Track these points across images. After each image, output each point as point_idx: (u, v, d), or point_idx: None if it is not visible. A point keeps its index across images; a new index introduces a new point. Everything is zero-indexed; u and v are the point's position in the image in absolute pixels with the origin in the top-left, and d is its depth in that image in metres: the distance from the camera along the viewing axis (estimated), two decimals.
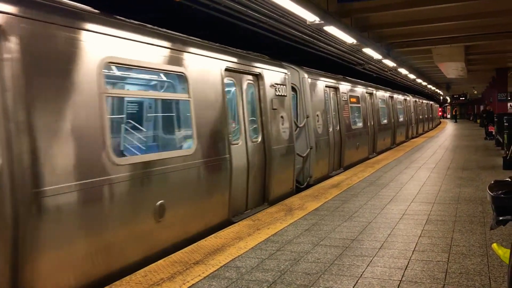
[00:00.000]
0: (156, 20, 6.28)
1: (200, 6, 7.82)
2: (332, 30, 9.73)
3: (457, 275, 4.37)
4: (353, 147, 13.79)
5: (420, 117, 29.78)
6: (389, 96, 20.35)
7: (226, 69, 6.84)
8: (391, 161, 14.16)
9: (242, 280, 4.39)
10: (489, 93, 35.33)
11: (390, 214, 6.99)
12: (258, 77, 7.95)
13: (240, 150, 7.22)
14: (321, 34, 11.33)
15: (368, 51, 13.39)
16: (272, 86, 8.30)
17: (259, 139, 7.86)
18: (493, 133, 20.16)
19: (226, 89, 6.83)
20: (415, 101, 27.76)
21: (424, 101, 33.75)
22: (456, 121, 54.27)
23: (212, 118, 6.35)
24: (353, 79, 15.45)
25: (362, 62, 17.40)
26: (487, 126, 23.42)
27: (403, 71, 20.62)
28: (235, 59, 7.17)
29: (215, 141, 6.36)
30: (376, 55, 14.40)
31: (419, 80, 28.39)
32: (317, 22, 8.58)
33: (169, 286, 4.25)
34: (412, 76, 24.27)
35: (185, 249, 5.39)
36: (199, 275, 4.52)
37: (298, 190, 9.43)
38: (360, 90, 15.27)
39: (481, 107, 45.54)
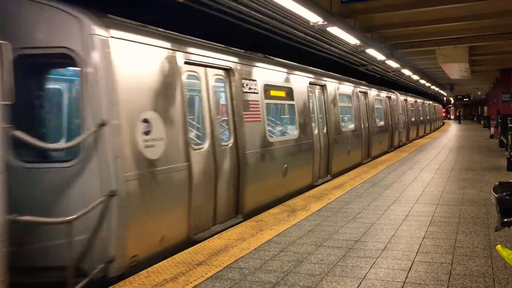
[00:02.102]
0: (156, 21, 6.27)
1: (202, 6, 7.82)
2: (335, 31, 9.71)
3: (461, 276, 4.35)
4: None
5: (413, 119, 25.93)
6: (360, 92, 15.09)
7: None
8: (394, 162, 14.13)
9: (245, 281, 4.38)
10: (493, 94, 35.21)
11: (394, 215, 6.96)
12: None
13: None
14: (325, 35, 11.32)
15: (372, 51, 13.36)
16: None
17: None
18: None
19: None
20: (405, 99, 23.53)
21: (421, 101, 30.83)
22: (459, 122, 54.17)
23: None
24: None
25: (365, 63, 17.36)
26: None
27: (406, 71, 20.56)
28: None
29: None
30: (379, 56, 14.36)
31: (422, 81, 28.29)
32: (320, 23, 8.56)
33: (172, 287, 4.24)
34: (415, 77, 24.19)
35: (188, 249, 5.39)
36: (202, 276, 4.51)
37: None
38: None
39: (485, 108, 45.40)
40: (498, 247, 3.40)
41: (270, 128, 8.81)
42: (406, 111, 23.02)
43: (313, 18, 8.40)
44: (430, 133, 32.46)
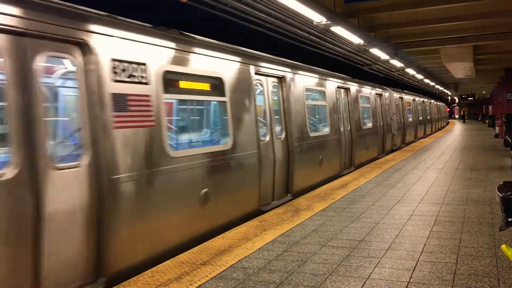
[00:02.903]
0: (160, 22, 6.29)
1: (206, 7, 7.83)
2: (339, 30, 9.70)
3: (465, 276, 4.34)
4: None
5: (411, 120, 23.18)
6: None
7: None
8: (398, 161, 14.10)
9: (249, 281, 4.39)
10: (497, 93, 35.07)
11: (398, 215, 6.95)
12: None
13: None
14: (328, 35, 11.30)
15: (375, 51, 13.33)
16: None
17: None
18: None
19: None
20: (400, 98, 20.74)
21: (421, 100, 27.81)
22: (464, 122, 54.01)
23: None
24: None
25: (369, 62, 17.33)
26: None
27: (410, 71, 20.50)
28: None
29: None
30: (383, 56, 14.33)
31: (427, 81, 28.19)
32: (324, 22, 8.55)
33: (176, 287, 4.25)
34: (419, 76, 24.12)
35: (192, 249, 5.40)
36: (206, 276, 4.52)
37: None
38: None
39: (490, 107, 45.23)
40: (503, 246, 3.39)
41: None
42: (402, 111, 20.86)
43: (317, 17, 8.40)
44: (431, 133, 30.68)
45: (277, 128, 8.61)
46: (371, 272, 4.52)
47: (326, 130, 11.00)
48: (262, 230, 6.19)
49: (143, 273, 4.62)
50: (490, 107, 45.87)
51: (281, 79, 8.79)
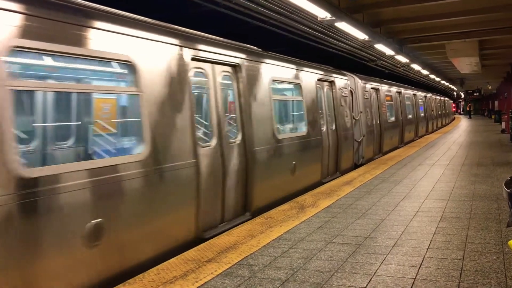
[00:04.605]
0: (164, 19, 6.28)
1: (210, 3, 7.81)
2: (343, 26, 9.66)
3: (472, 273, 4.31)
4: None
5: (393, 119, 17.78)
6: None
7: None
8: (404, 157, 14.05)
9: (254, 278, 4.38)
10: (503, 88, 34.86)
11: (404, 211, 6.92)
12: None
13: None
14: (333, 31, 11.25)
15: (380, 47, 13.27)
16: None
17: None
18: None
19: None
20: (374, 90, 15.42)
21: (411, 92, 22.27)
22: (470, 117, 53.82)
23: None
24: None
25: (374, 58, 17.26)
26: None
27: (416, 66, 20.41)
28: None
29: None
30: (388, 51, 14.27)
31: (432, 76, 28.07)
32: (328, 18, 8.53)
33: (182, 284, 4.25)
34: (425, 72, 24.00)
35: (198, 247, 5.40)
36: (212, 273, 4.52)
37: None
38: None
39: (496, 103, 44.98)
40: (510, 242, 3.36)
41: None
42: (379, 107, 15.84)
43: (321, 13, 8.38)
44: (427, 134, 25.62)
45: (230, 130, 7.07)
46: (377, 269, 4.50)
47: (302, 130, 9.35)
48: (267, 227, 6.18)
49: (149, 271, 4.62)
50: (496, 102, 45.62)
51: (236, 68, 7.07)
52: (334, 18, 8.57)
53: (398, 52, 14.91)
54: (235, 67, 7.08)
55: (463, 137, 22.32)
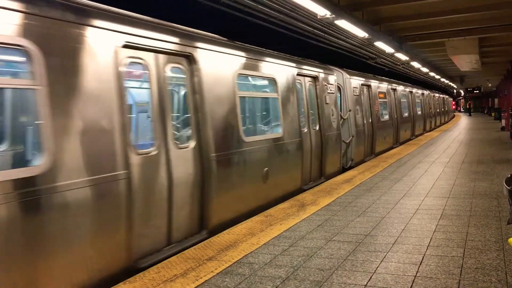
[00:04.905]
0: (162, 16, 6.27)
1: (210, 1, 7.80)
2: (343, 24, 9.64)
3: (472, 270, 4.31)
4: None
5: (385, 118, 16.37)
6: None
7: None
8: (404, 155, 14.04)
9: (255, 276, 4.38)
10: (503, 85, 34.82)
11: (404, 209, 6.92)
12: None
13: None
14: (332, 28, 11.24)
15: (380, 44, 13.26)
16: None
17: None
18: None
19: None
20: (366, 86, 14.34)
21: (406, 90, 20.71)
22: (470, 115, 53.81)
23: None
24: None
25: (374, 56, 17.24)
26: None
27: (415, 64, 20.38)
28: None
29: None
30: (388, 49, 14.26)
31: (432, 74, 28.04)
32: (328, 16, 8.51)
33: (182, 282, 4.25)
34: (425, 70, 23.99)
35: (198, 245, 5.40)
36: (212, 271, 4.52)
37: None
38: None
39: (496, 100, 44.96)
40: (510, 240, 3.36)
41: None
42: (371, 105, 14.61)
43: (321, 11, 8.36)
44: (423, 133, 24.43)
45: (181, 133, 6.10)
46: (377, 267, 4.50)
47: (277, 131, 8.26)
48: (268, 225, 6.18)
49: (149, 269, 4.62)
50: (496, 99, 45.60)
51: (190, 59, 5.95)
52: (334, 15, 8.56)
53: (398, 49, 14.89)
54: (188, 57, 5.93)
55: (463, 134, 22.31)
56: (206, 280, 4.30)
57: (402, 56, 16.54)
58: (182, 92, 6.28)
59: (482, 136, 20.65)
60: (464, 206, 6.94)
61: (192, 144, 5.86)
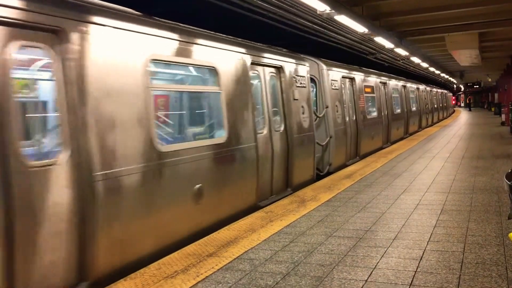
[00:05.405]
0: (161, 13, 6.26)
1: None
2: (343, 19, 9.61)
3: (473, 265, 4.32)
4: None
5: (373, 115, 14.68)
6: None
7: None
8: (404, 151, 14.04)
9: (255, 272, 4.38)
10: (503, 80, 34.79)
11: (404, 204, 6.92)
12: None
13: None
14: (332, 24, 11.21)
15: (380, 40, 13.22)
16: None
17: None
18: None
19: None
20: (349, 79, 12.67)
21: (398, 84, 18.94)
22: (470, 110, 53.78)
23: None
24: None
25: (374, 51, 17.21)
26: None
27: (415, 59, 20.35)
28: None
29: None
30: (388, 44, 14.23)
31: (432, 69, 28.00)
32: (327, 11, 8.49)
33: (183, 279, 4.26)
34: (425, 65, 23.95)
35: (198, 241, 5.40)
36: (213, 268, 4.52)
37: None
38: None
39: (496, 95, 44.93)
40: (511, 235, 3.36)
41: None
42: (355, 101, 12.83)
43: (321, 6, 8.33)
44: (419, 130, 22.91)
45: (43, 143, 4.17)
46: (378, 262, 4.50)
47: (219, 135, 6.53)
48: (268, 221, 6.18)
49: (150, 266, 4.63)
50: (496, 94, 45.56)
51: (59, 35, 4.07)
52: (333, 11, 8.53)
53: (398, 45, 14.85)
54: (57, 33, 4.04)
55: (463, 129, 22.30)
56: (206, 276, 4.30)
57: (402, 51, 16.51)
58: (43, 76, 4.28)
59: (482, 131, 20.65)
60: (464, 201, 6.94)
61: (62, 159, 4.05)
